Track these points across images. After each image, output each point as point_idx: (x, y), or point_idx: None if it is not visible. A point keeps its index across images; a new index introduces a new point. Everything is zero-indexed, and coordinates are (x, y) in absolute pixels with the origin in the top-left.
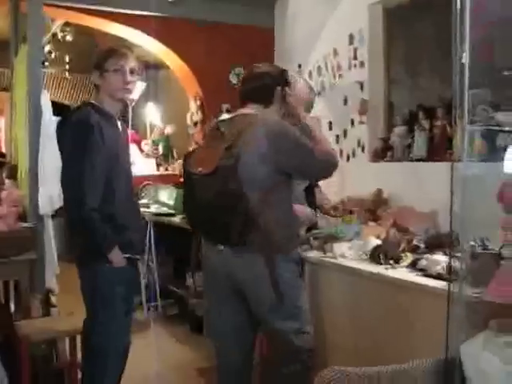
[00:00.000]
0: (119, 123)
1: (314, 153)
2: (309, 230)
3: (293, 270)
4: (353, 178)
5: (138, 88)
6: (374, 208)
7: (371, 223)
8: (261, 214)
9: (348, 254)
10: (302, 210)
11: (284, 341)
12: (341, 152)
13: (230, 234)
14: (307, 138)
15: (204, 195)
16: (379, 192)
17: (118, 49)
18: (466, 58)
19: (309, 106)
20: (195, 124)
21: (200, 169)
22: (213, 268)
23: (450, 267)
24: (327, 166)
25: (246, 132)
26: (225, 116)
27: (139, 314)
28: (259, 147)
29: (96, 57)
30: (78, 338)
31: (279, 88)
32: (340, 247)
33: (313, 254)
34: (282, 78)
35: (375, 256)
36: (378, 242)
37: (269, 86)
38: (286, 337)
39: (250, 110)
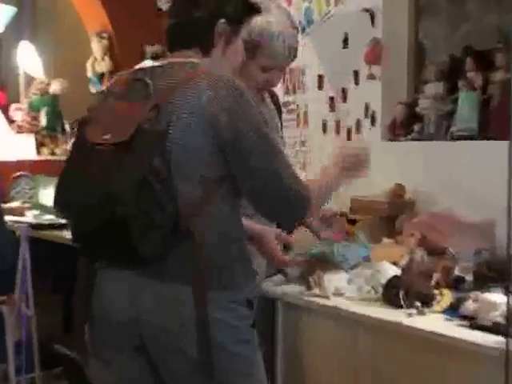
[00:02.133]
0: None
1: (280, 162)
2: (284, 248)
3: (240, 316)
4: None
5: (2, 15)
6: (390, 216)
7: (386, 240)
8: (193, 221)
9: (347, 290)
10: (265, 230)
11: None
12: (337, 126)
13: (141, 247)
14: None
15: (108, 179)
16: (399, 190)
17: None
18: None
19: (290, 54)
20: (101, 77)
21: (107, 136)
22: (107, 308)
23: (509, 313)
24: (297, 200)
25: (182, 91)
26: (148, 63)
27: None
28: (198, 118)
29: None
30: None
31: (222, 22)
32: (334, 279)
33: (290, 290)
34: (227, 5)
35: (392, 294)
36: (397, 270)
37: (204, 21)
38: None
39: (183, 57)
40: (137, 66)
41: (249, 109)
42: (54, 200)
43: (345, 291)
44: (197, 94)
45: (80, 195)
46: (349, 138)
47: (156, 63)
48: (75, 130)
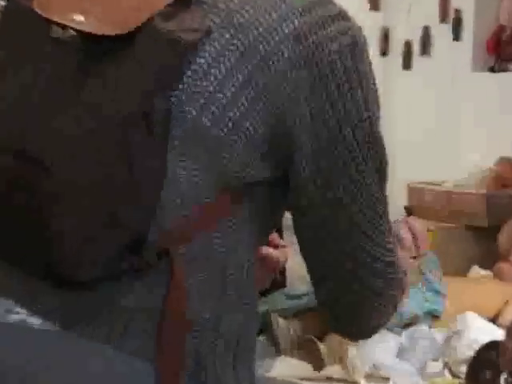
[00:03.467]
0: None
1: (385, 204)
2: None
3: None
4: (422, 127)
5: None
6: (488, 223)
7: (477, 270)
8: (178, 245)
9: (397, 369)
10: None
11: None
12: (384, 38)
13: (72, 258)
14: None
15: (50, 99)
16: (508, 170)
17: None
18: None
19: None
20: None
21: (80, 16)
22: None
23: None
24: (393, 284)
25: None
26: None
27: None
28: (260, 69)
29: None
30: None
31: None
32: (372, 348)
33: (282, 369)
34: None
35: (484, 379)
36: (496, 332)
37: None
38: None
39: None
40: None
41: (365, 85)
42: None
43: (392, 371)
44: (276, 16)
45: None
46: (407, 66)
47: None
48: None
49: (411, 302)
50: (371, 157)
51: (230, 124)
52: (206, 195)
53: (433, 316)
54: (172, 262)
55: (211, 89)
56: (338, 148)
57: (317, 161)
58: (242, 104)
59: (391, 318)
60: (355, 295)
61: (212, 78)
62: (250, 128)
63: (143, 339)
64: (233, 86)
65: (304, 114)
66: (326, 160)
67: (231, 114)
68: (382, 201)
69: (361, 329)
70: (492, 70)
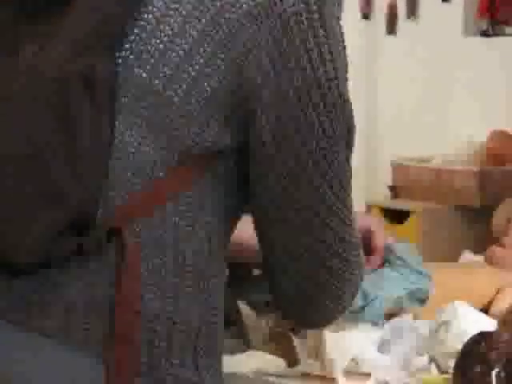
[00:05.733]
0: None
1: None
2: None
3: None
4: (408, 98)
5: None
6: (480, 204)
7: (468, 255)
8: (133, 223)
9: (378, 364)
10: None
11: None
12: (367, 1)
13: (10, 238)
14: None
15: None
16: (503, 144)
17: None
18: None
19: None
20: None
21: None
22: None
23: None
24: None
25: None
26: None
27: None
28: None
29: None
30: None
31: None
32: (350, 341)
33: (253, 365)
34: None
35: (474, 374)
36: (487, 323)
37: None
38: None
39: None
40: None
41: (333, 43)
42: None
43: (373, 366)
44: None
45: None
46: (392, 30)
47: None
48: None
49: (388, 284)
50: (338, 122)
51: (185, 85)
52: (161, 167)
53: (420, 301)
54: (124, 243)
55: (162, 47)
56: (302, 108)
57: (279, 121)
58: (197, 62)
59: (352, 305)
60: (312, 276)
61: (162, 35)
62: (208, 88)
63: (89, 331)
64: (186, 43)
65: (266, 71)
66: (289, 121)
67: (185, 75)
68: (348, 173)
69: (315, 316)
70: (485, 34)
